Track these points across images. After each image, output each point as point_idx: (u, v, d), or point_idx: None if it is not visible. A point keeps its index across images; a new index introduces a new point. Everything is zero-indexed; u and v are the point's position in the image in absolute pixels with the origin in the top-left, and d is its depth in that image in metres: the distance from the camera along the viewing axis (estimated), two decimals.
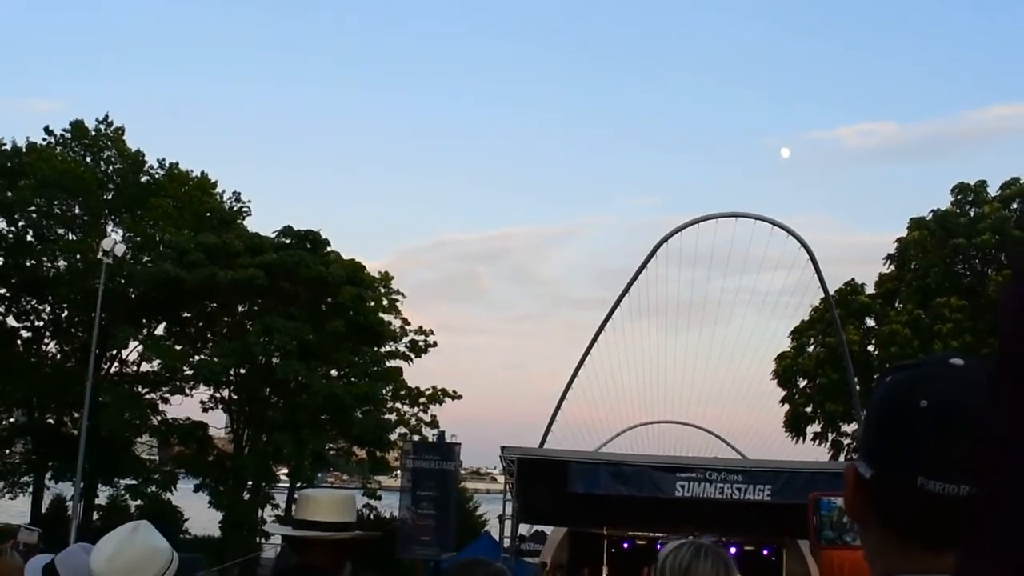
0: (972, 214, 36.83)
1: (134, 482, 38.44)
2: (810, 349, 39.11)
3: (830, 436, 38.52)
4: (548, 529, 28.94)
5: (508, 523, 20.68)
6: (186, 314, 39.60)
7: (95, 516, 37.02)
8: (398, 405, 40.60)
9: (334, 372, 39.61)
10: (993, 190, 37.23)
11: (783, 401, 39.66)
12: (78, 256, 37.62)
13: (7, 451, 39.07)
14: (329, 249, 39.70)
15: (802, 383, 39.45)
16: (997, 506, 0.68)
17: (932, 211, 37.49)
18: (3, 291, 38.10)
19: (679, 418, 34.51)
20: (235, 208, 42.56)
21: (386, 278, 41.61)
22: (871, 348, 37.23)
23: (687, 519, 18.45)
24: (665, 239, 26.41)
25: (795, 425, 39.30)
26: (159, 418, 39.46)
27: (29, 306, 38.91)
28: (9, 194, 37.19)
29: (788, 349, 39.51)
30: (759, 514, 18.84)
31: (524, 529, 26.00)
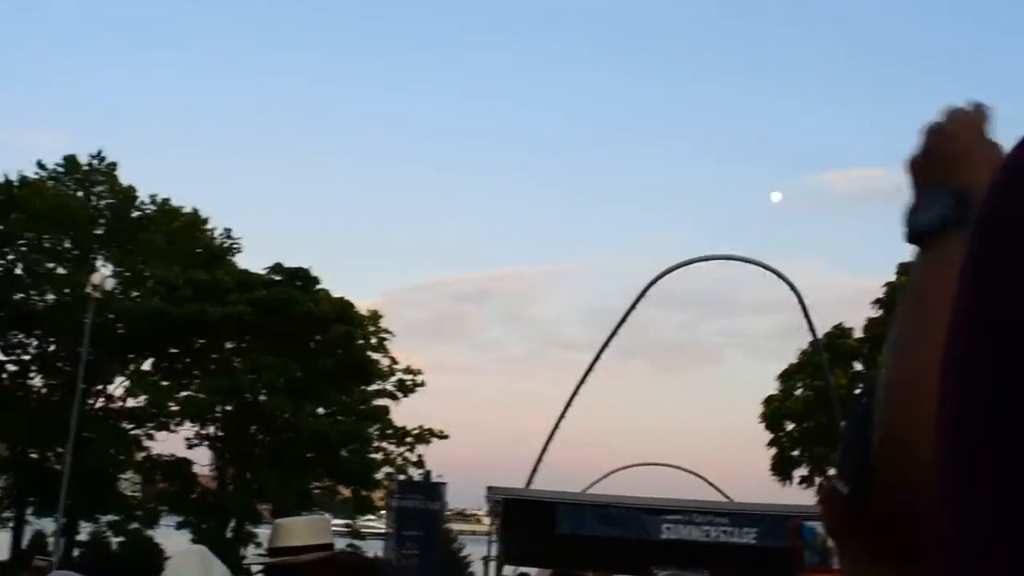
0: None
1: (116, 518, 38.11)
2: (798, 392, 39.14)
3: (817, 480, 38.50)
4: (533, 571, 28.74)
5: (492, 565, 20.56)
6: (174, 350, 39.43)
7: (76, 552, 36.66)
8: (384, 444, 40.45)
9: (321, 410, 39.47)
10: None
11: (770, 444, 39.66)
12: (67, 291, 37.50)
13: None
14: (319, 287, 39.73)
15: (789, 426, 39.46)
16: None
17: None
18: None
19: (666, 460, 34.52)
20: (226, 244, 42.57)
21: (375, 316, 41.59)
22: (859, 392, 37.26)
23: (673, 562, 18.36)
24: (655, 281, 26.47)
25: (782, 468, 39.27)
26: (144, 454, 39.26)
27: (16, 340, 38.77)
28: (0, 227, 37.22)
29: (776, 392, 39.56)
30: (745, 557, 18.77)
31: (509, 571, 25.80)
